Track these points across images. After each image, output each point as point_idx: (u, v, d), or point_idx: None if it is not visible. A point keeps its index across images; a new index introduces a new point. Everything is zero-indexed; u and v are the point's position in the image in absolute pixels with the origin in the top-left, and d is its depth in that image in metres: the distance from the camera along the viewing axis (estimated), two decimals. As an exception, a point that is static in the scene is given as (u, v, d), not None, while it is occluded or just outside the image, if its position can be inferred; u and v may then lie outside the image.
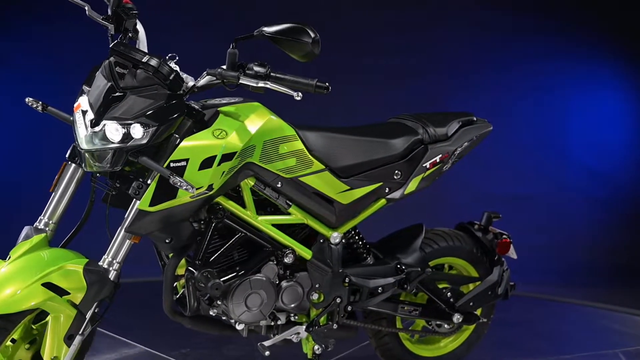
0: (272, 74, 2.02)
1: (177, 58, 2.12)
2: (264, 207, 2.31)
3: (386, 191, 2.44)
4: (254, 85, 1.99)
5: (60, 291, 1.96)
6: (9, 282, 1.91)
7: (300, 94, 1.96)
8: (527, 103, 5.31)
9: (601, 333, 3.62)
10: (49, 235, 2.12)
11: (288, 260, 2.29)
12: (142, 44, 2.19)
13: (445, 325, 2.68)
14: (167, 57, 2.09)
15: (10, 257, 2.00)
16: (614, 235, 5.25)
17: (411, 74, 5.20)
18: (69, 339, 2.01)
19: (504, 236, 2.71)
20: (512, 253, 2.76)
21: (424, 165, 2.47)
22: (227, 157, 2.04)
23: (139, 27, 2.16)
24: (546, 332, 3.53)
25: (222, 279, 2.16)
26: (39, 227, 2.11)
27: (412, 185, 2.47)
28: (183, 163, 2.00)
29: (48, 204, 2.14)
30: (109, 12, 2.17)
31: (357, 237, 2.49)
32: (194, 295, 2.18)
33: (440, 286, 2.65)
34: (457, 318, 2.65)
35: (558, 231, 4.83)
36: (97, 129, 1.94)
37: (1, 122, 4.81)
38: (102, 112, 1.95)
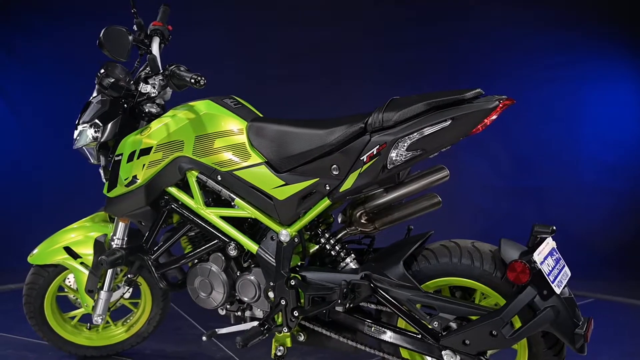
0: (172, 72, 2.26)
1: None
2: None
3: (326, 188, 2.12)
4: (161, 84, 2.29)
5: (74, 255, 2.62)
6: (50, 241, 2.68)
7: (155, 91, 2.18)
8: (541, 95, 5.24)
9: (617, 326, 3.57)
10: None
11: (231, 252, 2.32)
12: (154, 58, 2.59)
13: None
14: (141, 70, 2.50)
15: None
16: (629, 228, 5.22)
17: (427, 66, 5.28)
18: (89, 292, 2.65)
19: (518, 260, 1.90)
20: (547, 284, 1.89)
21: (361, 158, 2.03)
22: (144, 151, 2.31)
23: (154, 43, 2.58)
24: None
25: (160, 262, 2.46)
26: None
27: (349, 182, 2.05)
28: (119, 157, 2.38)
29: None
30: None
31: (326, 237, 2.25)
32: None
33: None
34: (447, 356, 2.04)
35: (571, 224, 4.76)
36: (76, 131, 2.53)
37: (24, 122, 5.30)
38: (80, 118, 2.52)
